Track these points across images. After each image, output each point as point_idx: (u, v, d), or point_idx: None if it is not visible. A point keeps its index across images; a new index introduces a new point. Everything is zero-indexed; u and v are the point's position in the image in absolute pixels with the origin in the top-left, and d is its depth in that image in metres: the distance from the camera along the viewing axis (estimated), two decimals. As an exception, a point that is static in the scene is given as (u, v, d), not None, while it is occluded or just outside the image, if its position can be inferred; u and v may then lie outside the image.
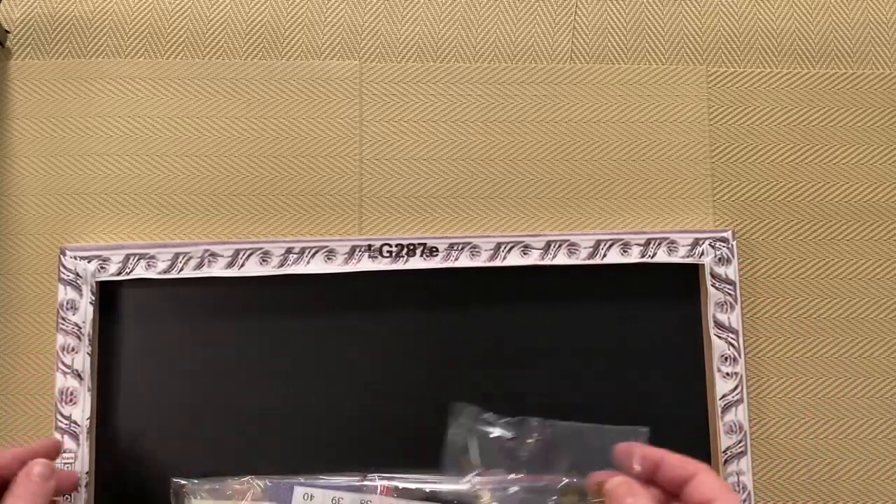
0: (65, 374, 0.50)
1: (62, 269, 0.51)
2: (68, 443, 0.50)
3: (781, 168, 0.55)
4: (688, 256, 0.53)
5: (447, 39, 0.56)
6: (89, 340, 0.51)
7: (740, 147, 0.55)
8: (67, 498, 0.49)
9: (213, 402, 0.52)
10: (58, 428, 0.50)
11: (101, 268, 0.51)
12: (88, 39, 0.55)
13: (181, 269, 0.51)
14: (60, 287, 0.51)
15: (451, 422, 0.50)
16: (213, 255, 0.52)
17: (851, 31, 0.57)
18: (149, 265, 0.51)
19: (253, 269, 0.52)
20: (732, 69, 0.56)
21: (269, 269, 0.52)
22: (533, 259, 0.52)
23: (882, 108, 0.56)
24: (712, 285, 0.52)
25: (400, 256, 0.52)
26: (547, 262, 0.52)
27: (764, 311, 0.54)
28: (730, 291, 0.52)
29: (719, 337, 0.52)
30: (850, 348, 0.54)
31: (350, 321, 0.53)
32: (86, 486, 0.50)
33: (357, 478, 0.50)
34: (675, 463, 0.40)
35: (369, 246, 0.52)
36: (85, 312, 0.51)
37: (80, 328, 0.51)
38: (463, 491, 0.50)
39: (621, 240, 0.53)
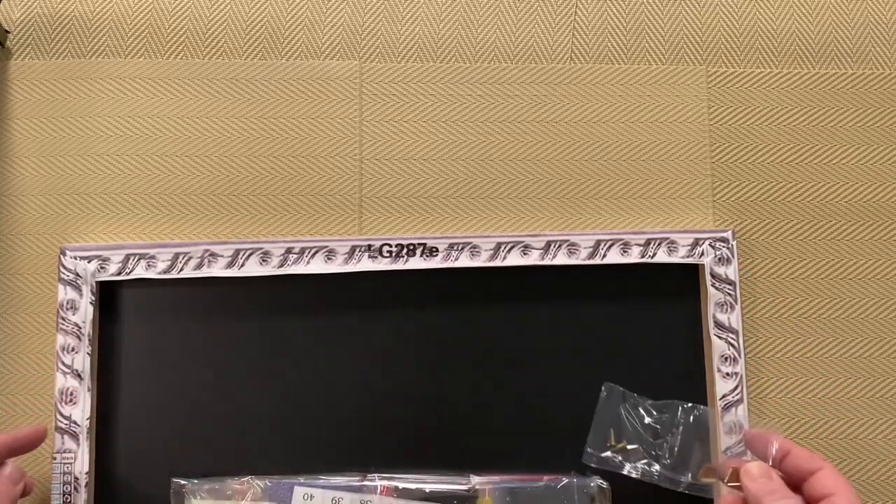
0: (65, 374, 0.50)
1: (62, 269, 0.51)
2: (68, 443, 0.50)
3: (781, 168, 0.55)
4: (688, 256, 0.53)
5: (447, 39, 0.56)
6: (89, 340, 0.51)
7: (740, 147, 0.55)
8: (67, 498, 0.49)
9: (214, 402, 0.52)
10: (58, 428, 0.50)
11: (101, 268, 0.51)
12: (88, 39, 0.55)
13: (181, 269, 0.51)
14: (60, 287, 0.51)
15: (599, 401, 0.51)
16: (213, 255, 0.52)
17: (851, 31, 0.57)
18: (149, 265, 0.51)
19: (253, 269, 0.52)
20: (732, 69, 0.56)
21: (269, 269, 0.52)
22: (533, 259, 0.52)
23: (882, 108, 0.56)
24: (712, 285, 0.52)
25: (400, 256, 0.52)
26: (547, 262, 0.52)
27: (764, 311, 0.54)
28: (730, 291, 0.52)
29: (719, 337, 0.52)
30: (850, 348, 0.54)
31: (350, 321, 0.53)
32: (86, 485, 0.50)
33: (357, 478, 0.50)
34: (804, 455, 0.43)
35: (369, 246, 0.52)
36: (85, 312, 0.51)
37: (80, 328, 0.51)
38: (463, 491, 0.50)
39: (621, 240, 0.53)
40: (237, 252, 0.52)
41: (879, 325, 0.54)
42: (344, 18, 0.56)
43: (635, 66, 0.56)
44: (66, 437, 0.50)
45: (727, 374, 0.52)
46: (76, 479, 0.50)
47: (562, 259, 0.52)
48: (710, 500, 0.51)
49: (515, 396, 0.52)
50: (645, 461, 0.50)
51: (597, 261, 0.52)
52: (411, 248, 0.52)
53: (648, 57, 0.56)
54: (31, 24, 0.55)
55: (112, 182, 0.54)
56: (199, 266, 0.52)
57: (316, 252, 0.52)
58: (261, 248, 0.52)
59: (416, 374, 0.52)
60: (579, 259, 0.52)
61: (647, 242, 0.53)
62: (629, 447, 0.50)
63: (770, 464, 0.44)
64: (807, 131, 0.56)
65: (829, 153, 0.56)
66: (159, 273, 0.51)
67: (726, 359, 0.52)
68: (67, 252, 0.51)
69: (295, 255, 0.52)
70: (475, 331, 0.53)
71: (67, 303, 0.51)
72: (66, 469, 0.50)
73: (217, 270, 0.52)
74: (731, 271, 0.52)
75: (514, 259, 0.52)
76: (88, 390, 0.50)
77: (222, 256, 0.52)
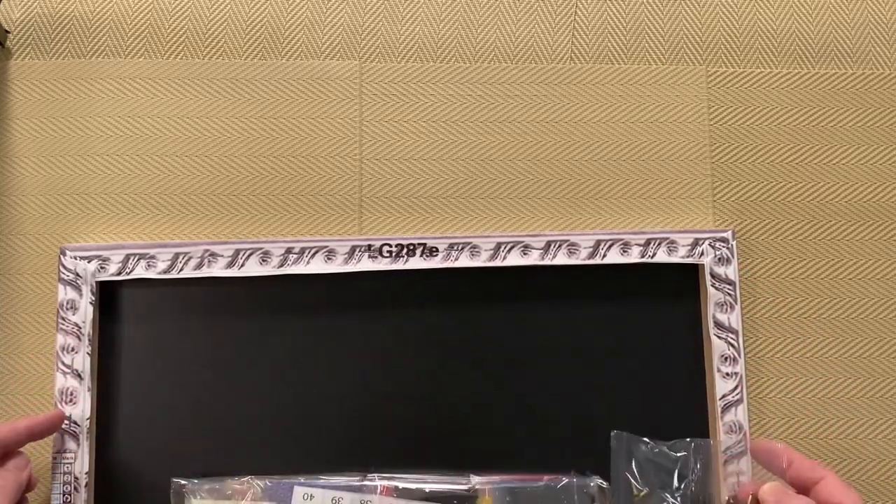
0: (65, 374, 0.50)
1: (62, 269, 0.51)
2: (68, 443, 0.50)
3: (781, 168, 0.55)
4: (688, 256, 0.53)
5: (447, 39, 0.56)
6: (89, 340, 0.51)
7: (740, 147, 0.55)
8: (67, 498, 0.49)
9: (214, 401, 0.52)
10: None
11: (101, 268, 0.51)
12: (88, 39, 0.55)
13: (181, 269, 0.51)
14: (60, 287, 0.51)
15: (612, 452, 0.51)
16: (213, 255, 0.52)
17: (851, 31, 0.57)
18: (149, 265, 0.51)
19: (253, 269, 0.52)
20: (732, 69, 0.56)
21: (269, 269, 0.52)
22: (533, 259, 0.52)
23: (882, 108, 0.56)
24: (712, 285, 0.52)
25: (400, 256, 0.52)
26: (547, 262, 0.52)
27: (764, 311, 0.54)
28: (730, 291, 0.52)
29: (719, 337, 0.52)
30: (850, 348, 0.54)
31: (350, 321, 0.53)
32: (86, 485, 0.50)
33: (357, 478, 0.50)
34: (806, 465, 0.44)
35: (369, 246, 0.52)
36: (85, 312, 0.51)
37: (80, 328, 0.51)
38: (463, 491, 0.50)
39: (621, 240, 0.53)
40: (237, 252, 0.52)
41: (879, 325, 0.54)
42: (344, 18, 0.56)
43: (635, 66, 0.56)
44: (66, 437, 0.50)
45: (727, 374, 0.52)
46: (76, 479, 0.50)
47: (562, 259, 0.52)
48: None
49: (515, 396, 0.52)
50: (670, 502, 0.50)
51: (597, 261, 0.52)
52: (411, 248, 0.52)
53: (648, 57, 0.56)
54: (31, 24, 0.55)
55: (112, 182, 0.54)
56: (199, 266, 0.52)
57: (316, 252, 0.52)
58: (261, 248, 0.52)
59: (416, 373, 0.52)
60: (579, 259, 0.52)
61: (647, 242, 0.53)
62: (651, 493, 0.50)
63: (781, 473, 0.45)
64: (807, 131, 0.56)
65: (829, 153, 0.56)
66: (159, 273, 0.51)
67: (726, 359, 0.52)
68: (67, 252, 0.51)
69: (295, 255, 0.52)
70: (475, 331, 0.53)
71: (67, 303, 0.51)
72: (66, 469, 0.50)
73: (217, 270, 0.52)
74: (731, 271, 0.52)
75: (514, 259, 0.52)
76: (88, 390, 0.50)
77: (222, 256, 0.52)
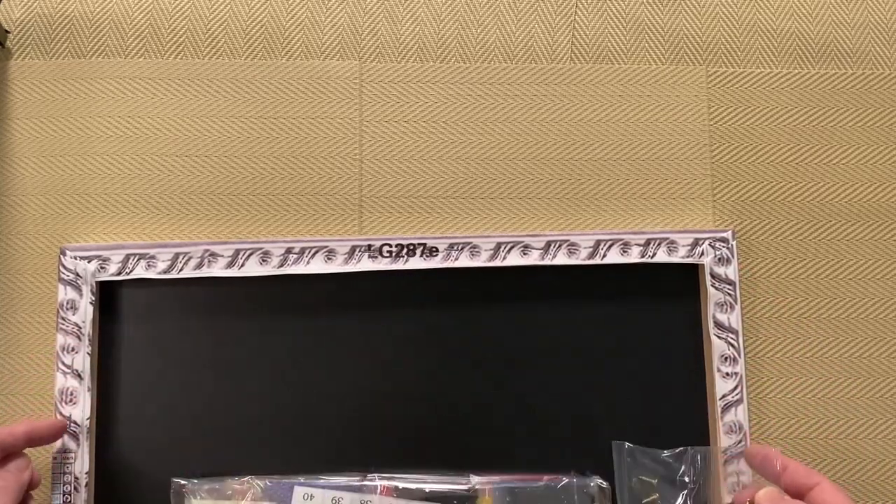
0: (65, 374, 0.50)
1: (62, 269, 0.51)
2: (68, 443, 0.50)
3: (781, 168, 0.55)
4: (688, 256, 0.53)
5: (447, 39, 0.56)
6: (89, 340, 0.51)
7: (740, 147, 0.55)
8: (67, 498, 0.49)
9: (214, 402, 0.52)
10: (58, 428, 0.50)
11: (101, 268, 0.51)
12: (88, 39, 0.55)
13: (181, 269, 0.51)
14: (60, 287, 0.51)
15: (615, 462, 0.51)
16: (213, 255, 0.52)
17: (851, 31, 0.57)
18: (149, 265, 0.51)
19: (253, 269, 0.52)
20: (732, 69, 0.56)
21: (269, 269, 0.52)
22: (533, 259, 0.52)
23: (882, 108, 0.56)
24: (712, 285, 0.52)
25: (400, 256, 0.52)
26: (547, 262, 0.52)
27: (764, 311, 0.54)
28: (730, 291, 0.52)
29: (719, 337, 0.52)
30: (850, 348, 0.54)
31: (350, 321, 0.53)
32: (86, 485, 0.50)
33: (357, 478, 0.50)
34: (801, 471, 0.44)
35: (369, 246, 0.52)
36: (85, 312, 0.51)
37: (80, 328, 0.51)
38: (463, 491, 0.50)
39: (621, 240, 0.53)
40: (237, 252, 0.52)
41: (879, 325, 0.54)
42: (344, 18, 0.56)
43: (635, 66, 0.56)
44: (66, 437, 0.50)
45: (727, 374, 0.52)
46: (76, 479, 0.50)
47: (562, 259, 0.52)
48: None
49: (515, 396, 0.52)
50: None
51: (597, 261, 0.52)
52: (411, 248, 0.52)
53: (648, 57, 0.56)
54: (31, 24, 0.55)
55: (112, 182, 0.54)
56: (199, 266, 0.52)
57: (316, 252, 0.52)
58: (261, 248, 0.52)
59: (416, 373, 0.52)
60: (579, 259, 0.52)
61: (647, 242, 0.53)
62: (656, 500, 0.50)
63: (775, 479, 0.45)
64: (807, 131, 0.56)
65: (829, 153, 0.56)
66: (159, 273, 0.51)
67: (726, 359, 0.52)
68: (67, 252, 0.51)
69: (295, 255, 0.52)
70: (475, 331, 0.53)
71: (67, 303, 0.51)
72: (66, 469, 0.50)
73: (217, 270, 0.52)
74: (730, 271, 0.52)
75: (514, 259, 0.52)
76: (88, 390, 0.50)
77: (222, 256, 0.52)
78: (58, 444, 0.50)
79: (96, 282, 0.51)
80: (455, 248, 0.52)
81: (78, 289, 0.51)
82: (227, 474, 0.50)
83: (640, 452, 0.51)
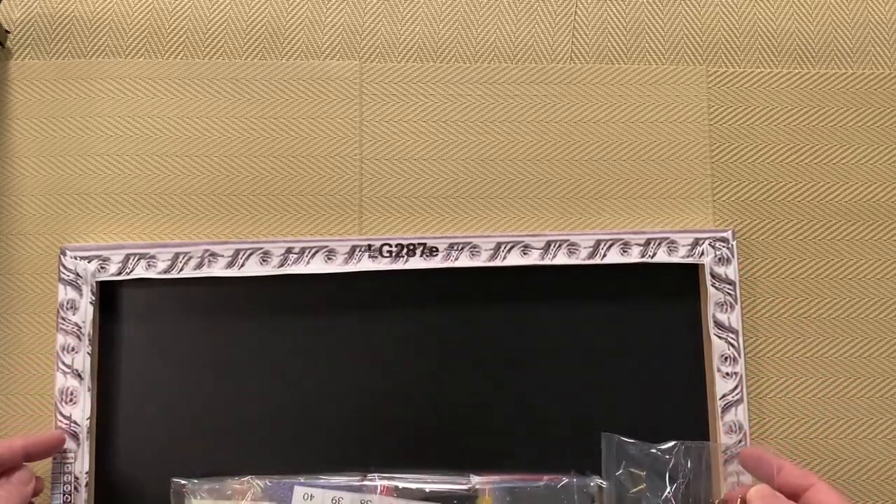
0: (65, 373, 0.50)
1: (62, 269, 0.51)
2: (68, 442, 0.50)
3: (781, 168, 0.55)
4: (688, 256, 0.53)
5: (447, 39, 0.56)
6: (89, 340, 0.51)
7: (740, 147, 0.55)
8: (67, 498, 0.49)
9: (214, 402, 0.52)
10: (58, 428, 0.50)
11: (101, 268, 0.51)
12: (88, 39, 0.55)
13: (181, 269, 0.51)
14: (60, 287, 0.51)
15: (603, 453, 0.51)
16: (213, 255, 0.52)
17: (851, 31, 0.57)
18: (149, 265, 0.51)
19: (253, 269, 0.52)
20: (732, 69, 0.56)
21: (269, 269, 0.52)
22: (533, 259, 0.52)
23: (882, 108, 0.56)
24: (712, 285, 0.52)
25: (400, 256, 0.52)
26: (547, 262, 0.52)
27: (764, 311, 0.54)
28: (730, 291, 0.52)
29: (719, 337, 0.52)
30: (850, 348, 0.54)
31: (350, 321, 0.53)
32: (86, 485, 0.50)
33: (357, 478, 0.50)
34: (796, 472, 0.44)
35: (369, 246, 0.52)
36: (85, 312, 0.51)
37: (80, 328, 0.51)
38: (463, 491, 0.50)
39: (621, 240, 0.53)
40: (237, 252, 0.52)
41: (879, 325, 0.54)
42: (344, 18, 0.56)
43: (635, 66, 0.56)
44: (66, 436, 0.50)
45: (727, 373, 0.52)
46: (76, 478, 0.50)
47: (562, 259, 0.52)
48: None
49: (515, 396, 0.52)
50: None
51: (597, 261, 0.52)
52: (411, 248, 0.52)
53: (648, 57, 0.56)
54: (31, 24, 0.55)
55: (112, 182, 0.54)
56: (199, 266, 0.52)
57: (316, 252, 0.52)
58: (261, 248, 0.52)
59: (416, 373, 0.52)
60: (579, 259, 0.52)
61: (647, 242, 0.53)
62: (643, 492, 0.50)
63: (770, 480, 0.45)
64: (807, 131, 0.56)
65: (829, 153, 0.56)
66: (159, 273, 0.51)
67: (726, 358, 0.52)
68: (67, 252, 0.51)
69: (295, 255, 0.52)
70: (475, 331, 0.53)
71: (67, 303, 0.51)
72: (66, 469, 0.50)
73: (217, 270, 0.52)
74: (730, 271, 0.52)
75: (514, 259, 0.52)
76: (88, 390, 0.50)
77: (222, 256, 0.52)
78: (58, 444, 0.50)
79: (96, 282, 0.51)
80: (455, 248, 0.52)
81: (78, 289, 0.51)
82: (227, 474, 0.50)
83: (629, 445, 0.50)
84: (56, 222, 0.53)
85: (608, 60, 0.56)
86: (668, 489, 0.50)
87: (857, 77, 0.56)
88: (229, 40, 0.55)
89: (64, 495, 0.49)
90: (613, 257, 0.52)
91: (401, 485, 0.50)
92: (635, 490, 0.50)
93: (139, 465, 0.51)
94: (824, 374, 0.54)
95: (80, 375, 0.50)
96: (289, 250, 0.52)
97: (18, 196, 0.54)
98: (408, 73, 0.55)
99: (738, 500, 0.45)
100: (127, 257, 0.51)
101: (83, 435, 0.50)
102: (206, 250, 0.52)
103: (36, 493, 0.47)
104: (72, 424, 0.50)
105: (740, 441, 0.51)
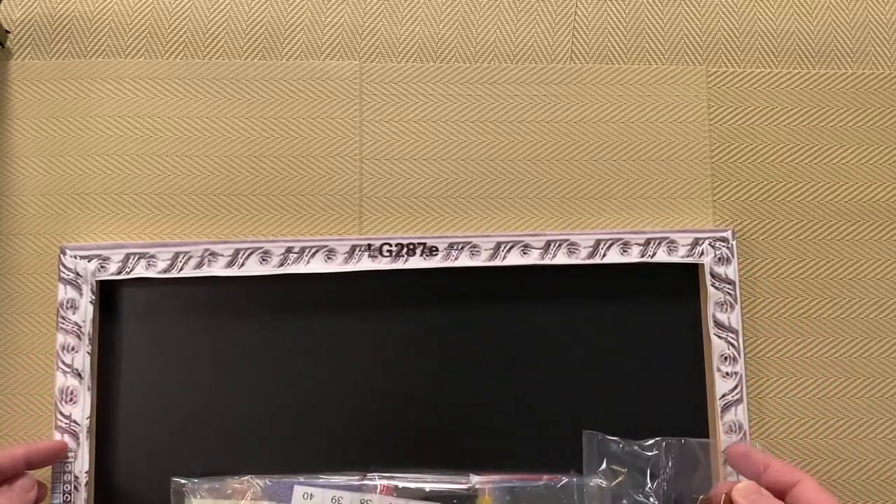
0: (65, 373, 0.50)
1: (62, 268, 0.51)
2: (68, 442, 0.50)
3: (781, 168, 0.55)
4: (687, 256, 0.53)
5: (447, 39, 0.56)
6: (89, 340, 0.51)
7: (740, 147, 0.55)
8: (67, 497, 0.49)
9: (214, 401, 0.52)
10: (58, 427, 0.50)
11: (101, 267, 0.51)
12: (88, 39, 0.55)
13: (181, 269, 0.51)
14: (60, 286, 0.51)
15: (584, 450, 0.51)
16: (213, 254, 0.52)
17: (851, 31, 0.57)
18: (149, 264, 0.51)
19: (253, 268, 0.52)
20: (732, 69, 0.56)
21: (269, 269, 0.52)
22: (533, 259, 0.52)
23: (882, 108, 0.56)
24: (712, 285, 0.52)
25: (400, 256, 0.52)
26: (547, 261, 0.52)
27: (764, 310, 0.54)
28: (729, 291, 0.52)
29: (719, 337, 0.52)
30: (850, 348, 0.54)
31: (350, 321, 0.53)
32: (86, 485, 0.50)
33: (357, 477, 0.50)
34: (783, 469, 0.44)
35: (369, 245, 0.52)
36: (85, 312, 0.51)
37: (80, 327, 0.51)
38: (463, 490, 0.50)
39: (621, 239, 0.53)
40: (237, 251, 0.52)
41: (879, 325, 0.54)
42: (344, 18, 0.56)
43: (635, 66, 0.56)
44: (66, 436, 0.50)
45: (727, 373, 0.52)
46: (76, 478, 0.50)
47: (562, 259, 0.52)
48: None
49: (515, 396, 0.52)
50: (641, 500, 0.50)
51: (597, 260, 0.52)
52: (411, 247, 0.52)
53: (648, 57, 0.56)
54: (31, 24, 0.55)
55: (112, 182, 0.54)
56: (199, 265, 0.52)
57: (316, 252, 0.52)
58: (261, 248, 0.52)
59: (416, 373, 0.52)
60: (579, 259, 0.52)
61: (647, 242, 0.53)
62: (623, 486, 0.50)
63: (757, 478, 0.45)
64: (807, 131, 0.56)
65: (829, 153, 0.56)
66: (159, 272, 0.51)
67: (726, 358, 0.52)
68: (67, 251, 0.51)
69: (295, 255, 0.52)
70: (475, 331, 0.53)
71: (67, 302, 0.51)
72: (65, 468, 0.50)
73: (217, 270, 0.52)
74: (730, 271, 0.52)
75: (514, 259, 0.52)
76: (88, 390, 0.50)
77: (222, 256, 0.52)
78: (58, 443, 0.50)
79: (96, 281, 0.51)
80: (455, 247, 0.52)
81: (78, 288, 0.51)
82: (227, 474, 0.50)
83: (611, 442, 0.50)
84: (56, 222, 0.53)
85: (608, 60, 0.56)
86: (650, 484, 0.49)
87: (857, 77, 0.56)
88: (229, 40, 0.55)
89: (64, 495, 0.49)
90: (613, 257, 0.52)
91: (400, 484, 0.50)
92: (615, 482, 0.49)
93: (139, 465, 0.51)
94: (824, 374, 0.54)
95: (79, 375, 0.50)
96: (289, 250, 0.52)
97: (18, 196, 0.54)
98: (408, 73, 0.55)
99: (723, 497, 0.45)
100: (127, 257, 0.51)
101: (83, 434, 0.50)
102: (206, 250, 0.52)
103: (38, 500, 0.47)
104: (72, 424, 0.50)
105: (740, 441, 0.51)
